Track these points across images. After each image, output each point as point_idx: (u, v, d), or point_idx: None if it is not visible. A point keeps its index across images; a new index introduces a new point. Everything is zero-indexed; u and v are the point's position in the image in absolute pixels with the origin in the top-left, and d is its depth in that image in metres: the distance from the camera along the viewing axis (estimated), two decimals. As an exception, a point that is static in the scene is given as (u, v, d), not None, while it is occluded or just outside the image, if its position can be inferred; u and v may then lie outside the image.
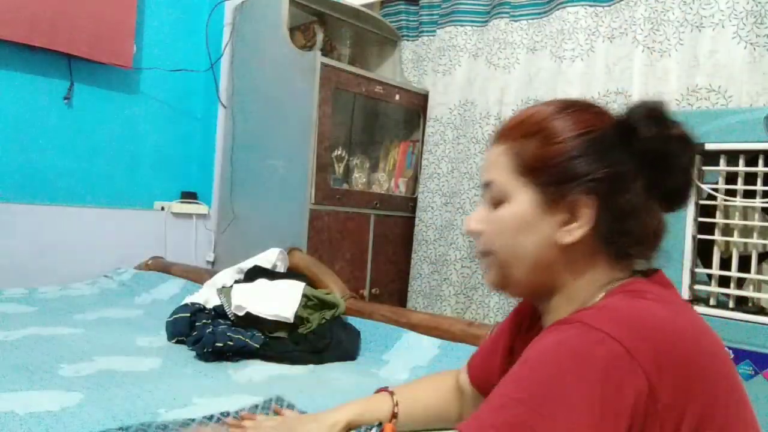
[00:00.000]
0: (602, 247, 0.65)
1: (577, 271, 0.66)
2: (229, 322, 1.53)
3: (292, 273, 1.88)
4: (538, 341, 0.58)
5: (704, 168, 1.48)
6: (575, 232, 0.64)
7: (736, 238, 1.42)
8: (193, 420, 0.93)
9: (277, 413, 0.96)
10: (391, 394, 0.91)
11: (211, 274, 1.94)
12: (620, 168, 0.64)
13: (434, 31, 2.58)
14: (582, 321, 0.55)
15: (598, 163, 0.64)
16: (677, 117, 0.65)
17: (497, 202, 0.69)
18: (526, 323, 0.82)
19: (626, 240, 0.65)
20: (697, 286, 1.47)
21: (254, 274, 1.79)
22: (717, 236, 1.45)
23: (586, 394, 0.50)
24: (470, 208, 2.34)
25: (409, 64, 2.75)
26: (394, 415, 0.89)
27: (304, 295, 1.60)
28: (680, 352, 0.54)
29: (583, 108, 0.68)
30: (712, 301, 1.46)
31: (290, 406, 1.02)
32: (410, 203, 2.56)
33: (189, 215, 2.70)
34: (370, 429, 0.87)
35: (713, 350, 0.58)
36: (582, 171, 0.64)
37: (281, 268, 1.91)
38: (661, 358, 0.52)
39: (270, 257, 1.89)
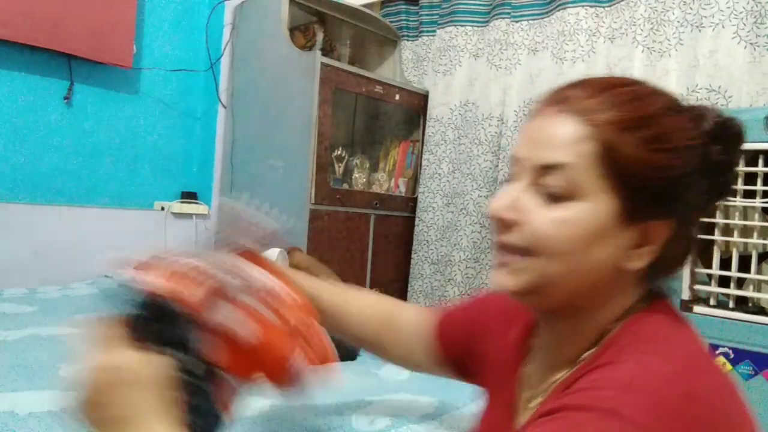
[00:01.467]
0: (643, 272, 0.56)
1: (611, 295, 0.56)
2: (229, 322, 1.52)
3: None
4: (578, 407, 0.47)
5: (704, 168, 1.48)
6: (644, 257, 0.55)
7: (736, 238, 1.42)
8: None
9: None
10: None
11: (211, 274, 1.94)
12: (704, 192, 0.56)
13: (434, 31, 2.58)
14: (632, 421, 0.45)
15: (695, 186, 0.55)
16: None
17: (561, 194, 0.53)
18: (500, 326, 0.73)
19: (672, 269, 0.59)
20: (697, 286, 1.47)
21: (254, 274, 1.79)
22: (717, 236, 1.45)
23: None
24: (474, 209, 2.33)
25: (409, 64, 2.75)
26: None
27: (304, 295, 1.59)
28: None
29: (687, 109, 0.57)
30: (712, 301, 1.46)
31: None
32: (410, 203, 2.56)
33: (189, 215, 2.70)
34: None
35: (745, 411, 0.52)
36: (682, 192, 0.54)
37: (281, 268, 1.91)
38: None
39: (270, 257, 1.88)
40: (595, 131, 0.52)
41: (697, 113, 0.56)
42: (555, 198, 0.53)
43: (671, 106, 0.56)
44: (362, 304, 0.87)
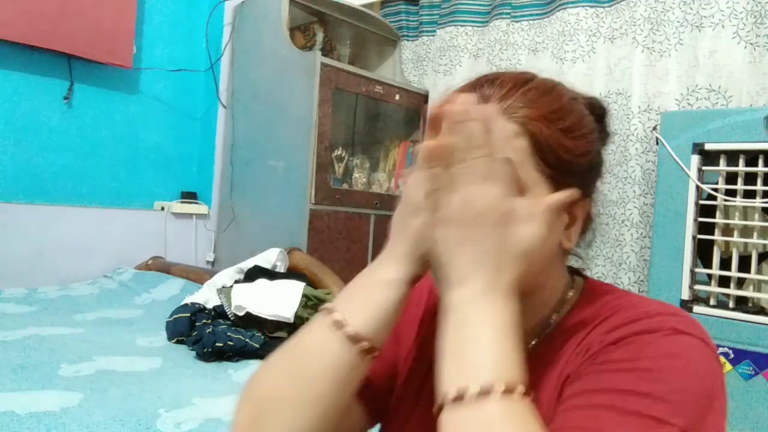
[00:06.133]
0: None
1: (558, 272, 0.60)
2: (229, 322, 1.53)
3: (292, 273, 1.88)
4: (637, 352, 0.49)
5: (704, 168, 1.48)
6: (573, 236, 0.58)
7: (736, 238, 1.42)
8: None
9: None
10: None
11: (211, 274, 1.94)
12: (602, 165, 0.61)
13: (434, 31, 2.58)
14: (675, 328, 0.50)
15: (602, 162, 0.60)
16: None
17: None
18: (427, 313, 0.68)
19: (579, 245, 0.62)
20: (697, 286, 1.47)
21: (254, 274, 1.79)
22: (717, 236, 1.45)
23: (724, 405, 0.49)
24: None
25: (409, 64, 2.76)
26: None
27: (304, 295, 1.60)
28: None
29: (580, 97, 0.61)
30: (712, 301, 1.46)
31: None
32: (410, 203, 2.55)
33: (189, 215, 2.70)
34: None
35: None
36: (598, 171, 0.59)
37: (281, 268, 1.91)
38: None
39: (270, 257, 1.89)
40: (522, 127, 0.53)
41: (585, 100, 0.61)
42: None
43: (573, 96, 0.59)
44: None
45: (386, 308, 0.54)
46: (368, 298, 0.54)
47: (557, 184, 0.54)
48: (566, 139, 0.55)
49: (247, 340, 1.42)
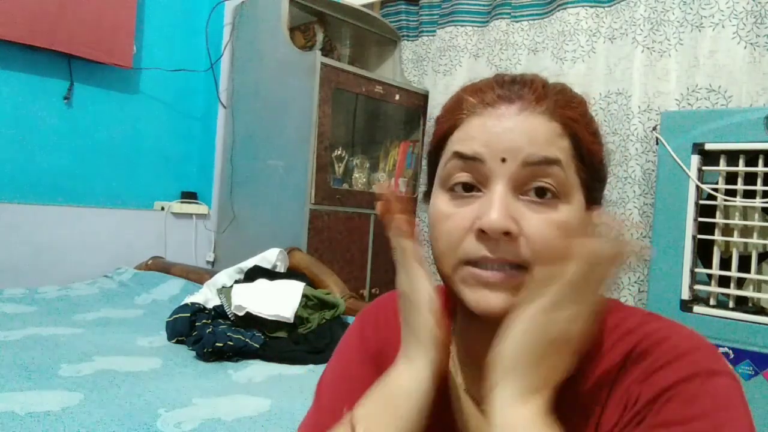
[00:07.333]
0: None
1: None
2: (229, 322, 1.53)
3: (292, 273, 1.88)
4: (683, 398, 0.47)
5: (704, 168, 1.48)
6: None
7: (736, 238, 1.42)
8: None
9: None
10: None
11: (211, 274, 1.94)
12: None
13: (434, 31, 2.59)
14: (710, 369, 0.48)
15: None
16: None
17: (552, 194, 0.49)
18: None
19: None
20: (697, 286, 1.47)
21: (254, 274, 1.79)
22: (717, 236, 1.45)
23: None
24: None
25: (409, 64, 2.76)
26: None
27: (304, 295, 1.60)
28: None
29: None
30: (712, 301, 1.46)
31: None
32: (410, 203, 2.55)
33: (189, 215, 2.70)
34: None
35: None
36: (606, 176, 0.56)
37: (281, 268, 1.91)
38: None
39: (270, 257, 1.89)
40: (564, 127, 0.51)
41: None
42: (542, 200, 0.49)
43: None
44: None
45: (411, 420, 0.50)
46: (392, 412, 0.50)
47: (587, 191, 0.52)
48: (596, 144, 0.53)
49: (247, 340, 1.42)
